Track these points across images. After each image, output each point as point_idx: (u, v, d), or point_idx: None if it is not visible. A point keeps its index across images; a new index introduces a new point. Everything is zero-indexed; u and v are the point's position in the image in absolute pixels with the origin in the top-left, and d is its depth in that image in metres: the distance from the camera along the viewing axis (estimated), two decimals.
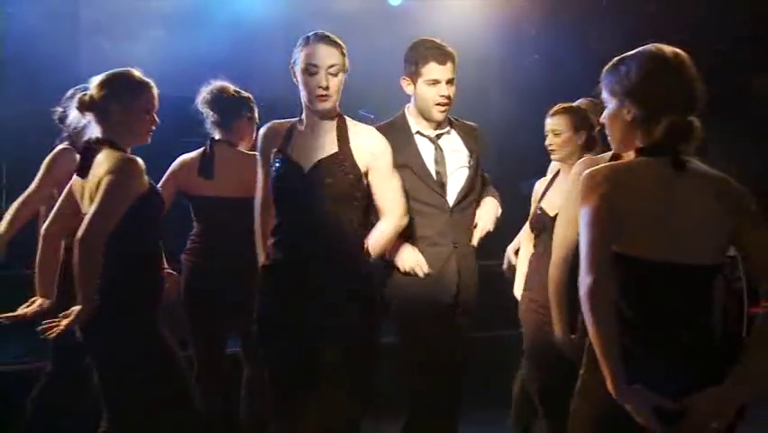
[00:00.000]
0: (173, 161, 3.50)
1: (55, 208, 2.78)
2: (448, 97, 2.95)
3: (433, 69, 2.91)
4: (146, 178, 2.61)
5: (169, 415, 2.60)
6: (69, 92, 3.13)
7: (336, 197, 2.48)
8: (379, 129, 2.78)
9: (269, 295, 2.61)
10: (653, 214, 1.78)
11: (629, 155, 1.94)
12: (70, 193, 2.72)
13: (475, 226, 3.07)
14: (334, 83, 2.49)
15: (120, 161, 2.53)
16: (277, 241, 2.58)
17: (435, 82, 2.92)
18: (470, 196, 3.06)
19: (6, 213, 3.35)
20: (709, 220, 1.79)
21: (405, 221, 2.73)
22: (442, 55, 2.93)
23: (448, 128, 3.09)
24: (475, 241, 3.07)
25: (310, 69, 2.46)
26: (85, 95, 2.63)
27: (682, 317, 1.82)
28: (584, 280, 1.75)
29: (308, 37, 2.52)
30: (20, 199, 3.31)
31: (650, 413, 1.70)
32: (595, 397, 1.82)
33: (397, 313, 2.98)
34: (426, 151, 3.01)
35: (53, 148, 3.37)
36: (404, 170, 2.84)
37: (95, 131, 2.64)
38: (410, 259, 2.88)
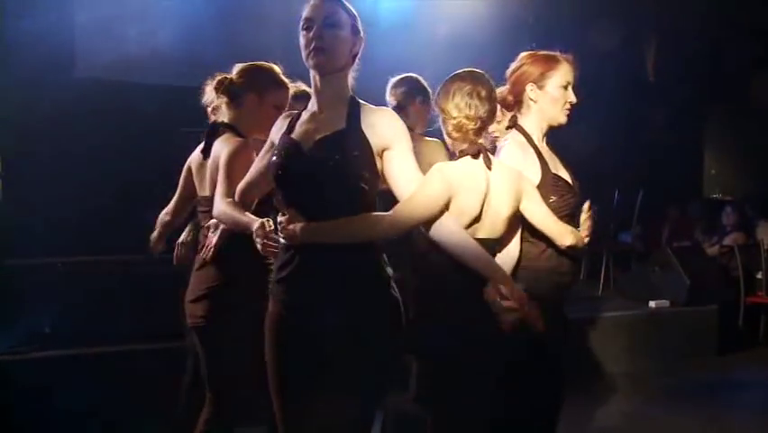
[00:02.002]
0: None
1: (178, 190, 2.91)
2: None
3: None
4: None
5: None
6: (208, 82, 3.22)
7: (341, 177, 2.18)
8: None
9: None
10: (476, 201, 2.25)
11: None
12: (188, 174, 2.83)
13: None
14: (331, 36, 2.21)
15: (238, 143, 2.63)
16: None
17: None
18: None
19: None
20: (505, 202, 2.30)
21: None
22: None
23: None
24: None
25: (305, 24, 2.23)
26: (225, 77, 2.72)
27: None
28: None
29: None
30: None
31: None
32: None
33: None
34: None
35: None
36: None
37: (223, 115, 2.73)
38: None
